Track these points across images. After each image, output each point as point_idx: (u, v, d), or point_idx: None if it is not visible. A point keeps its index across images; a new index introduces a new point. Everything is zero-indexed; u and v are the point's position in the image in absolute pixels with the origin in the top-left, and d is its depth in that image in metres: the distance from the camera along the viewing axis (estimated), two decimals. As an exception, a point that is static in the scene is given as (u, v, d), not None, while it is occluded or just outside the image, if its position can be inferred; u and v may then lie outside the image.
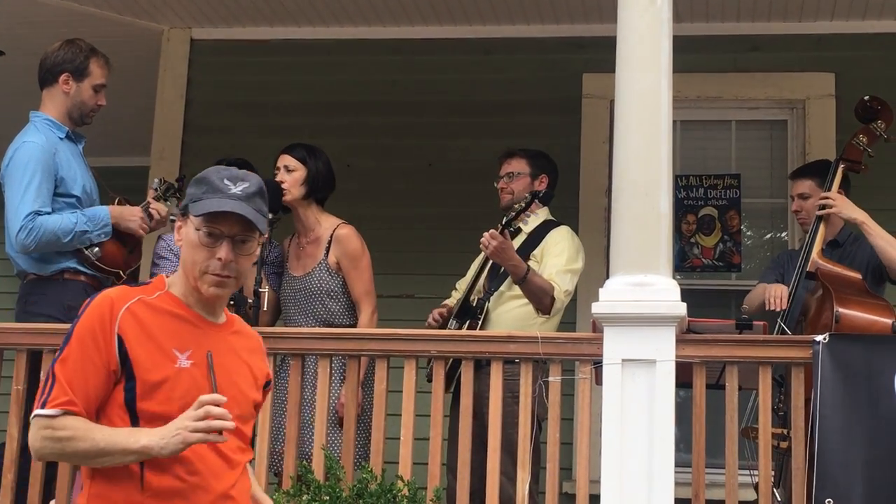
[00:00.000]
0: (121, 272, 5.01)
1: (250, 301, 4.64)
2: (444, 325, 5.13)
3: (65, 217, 4.80)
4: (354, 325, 5.01)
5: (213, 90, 7.16)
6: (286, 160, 5.14)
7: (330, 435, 4.54)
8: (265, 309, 4.76)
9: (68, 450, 2.67)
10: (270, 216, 4.88)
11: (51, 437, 2.66)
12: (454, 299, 5.28)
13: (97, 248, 4.88)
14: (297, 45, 7.15)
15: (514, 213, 4.93)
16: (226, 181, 2.78)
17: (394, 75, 7.04)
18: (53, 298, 4.81)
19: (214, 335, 2.82)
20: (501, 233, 4.89)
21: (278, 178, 5.08)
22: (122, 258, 5.02)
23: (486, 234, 4.91)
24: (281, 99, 7.14)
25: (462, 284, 5.33)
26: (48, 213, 4.77)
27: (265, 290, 4.78)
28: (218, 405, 2.59)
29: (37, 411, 2.67)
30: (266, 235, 2.70)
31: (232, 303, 4.46)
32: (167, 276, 2.89)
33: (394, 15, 6.86)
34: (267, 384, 2.99)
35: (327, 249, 5.04)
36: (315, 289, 5.01)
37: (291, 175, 5.10)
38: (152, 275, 5.07)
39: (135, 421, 2.67)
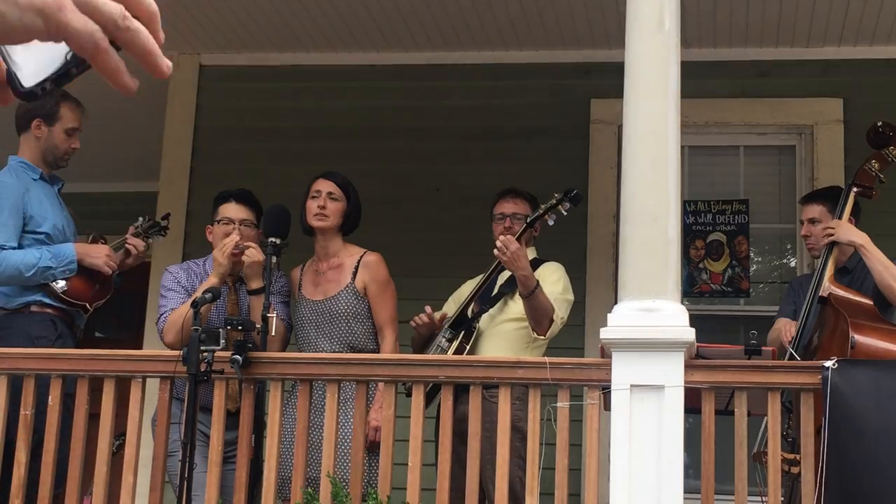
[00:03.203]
0: (87, 305, 5.12)
1: (258, 326, 4.60)
2: (431, 331, 5.12)
3: (28, 252, 4.90)
4: (377, 350, 4.97)
5: (221, 115, 7.18)
6: (331, 187, 5.03)
7: (339, 461, 4.52)
8: (273, 335, 4.70)
9: None
10: (278, 241, 4.88)
11: None
12: (448, 310, 5.26)
13: (63, 283, 4.98)
14: (306, 70, 7.17)
15: (542, 210, 5.00)
16: None
17: (402, 100, 7.05)
18: (20, 330, 4.91)
19: None
20: (527, 228, 5.03)
21: (320, 203, 4.98)
22: (90, 292, 5.11)
23: (501, 237, 4.89)
24: (289, 124, 7.15)
25: (458, 295, 5.33)
26: (13, 248, 4.86)
27: (273, 315, 4.70)
28: None
29: None
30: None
31: (240, 327, 4.46)
32: None
33: (402, 40, 6.88)
34: None
35: (354, 274, 5.00)
36: (341, 311, 4.96)
37: (335, 203, 5.02)
38: (160, 307, 5.10)
39: None
